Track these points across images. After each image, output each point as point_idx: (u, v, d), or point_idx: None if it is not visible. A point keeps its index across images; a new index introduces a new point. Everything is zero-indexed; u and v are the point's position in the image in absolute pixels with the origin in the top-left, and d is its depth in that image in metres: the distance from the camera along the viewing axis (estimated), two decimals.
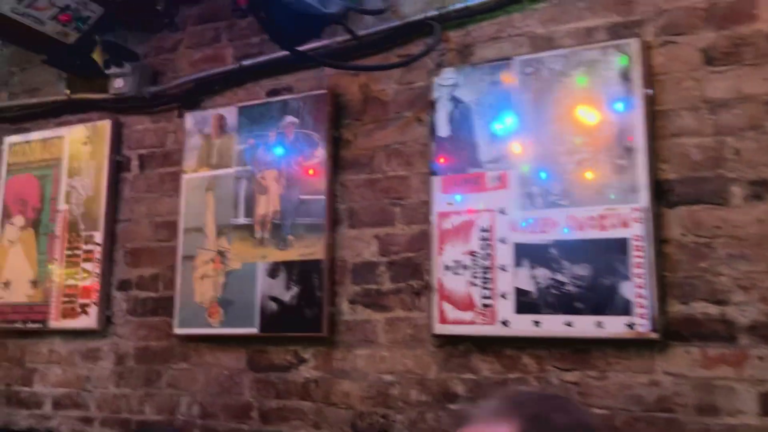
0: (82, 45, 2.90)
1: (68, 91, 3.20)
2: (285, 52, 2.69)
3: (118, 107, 3.05)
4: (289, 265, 2.50)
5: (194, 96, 2.90)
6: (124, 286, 2.92)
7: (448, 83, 2.32)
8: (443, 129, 2.31)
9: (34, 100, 3.30)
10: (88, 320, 2.88)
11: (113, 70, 2.90)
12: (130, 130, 3.06)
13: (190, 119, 2.84)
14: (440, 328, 2.20)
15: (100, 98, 3.04)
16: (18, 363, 3.09)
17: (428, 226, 2.32)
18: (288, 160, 2.58)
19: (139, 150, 3.02)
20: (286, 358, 2.52)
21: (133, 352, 2.84)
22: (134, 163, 3.02)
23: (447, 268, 2.22)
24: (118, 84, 2.91)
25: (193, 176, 2.77)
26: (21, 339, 3.10)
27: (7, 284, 3.11)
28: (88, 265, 2.92)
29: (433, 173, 2.31)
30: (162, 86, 2.96)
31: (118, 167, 3.01)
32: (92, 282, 2.90)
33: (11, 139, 3.29)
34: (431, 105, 2.36)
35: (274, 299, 2.50)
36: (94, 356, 2.92)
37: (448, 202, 2.26)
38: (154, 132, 3.00)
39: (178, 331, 2.68)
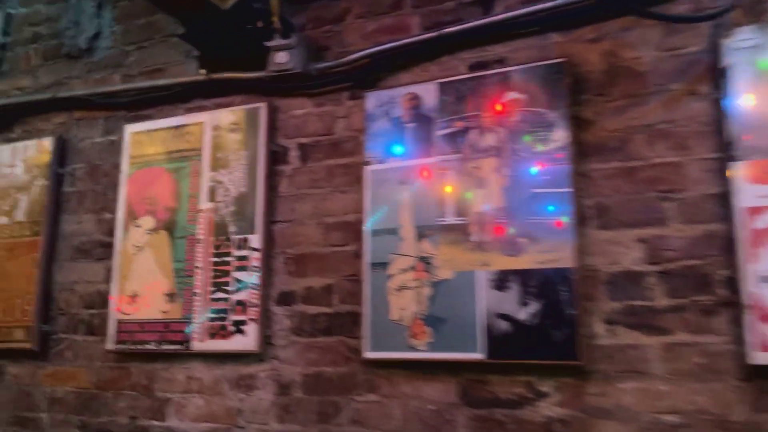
0: (236, 12, 2.44)
1: (204, 71, 2.74)
2: (494, 18, 2.26)
3: (270, 88, 2.58)
4: (523, 275, 2.01)
5: (371, 73, 2.43)
6: (285, 299, 2.42)
7: (748, 45, 1.85)
8: (743, 103, 1.83)
9: (161, 82, 2.83)
10: (245, 341, 2.38)
11: (276, 42, 2.43)
12: (286, 115, 2.58)
13: (372, 100, 2.36)
14: (762, 358, 1.70)
15: (253, 77, 2.57)
16: (146, 392, 2.59)
17: (722, 226, 1.84)
18: (512, 145, 2.10)
19: (299, 138, 2.54)
20: (514, 390, 2.02)
21: (300, 379, 2.34)
22: (293, 154, 2.54)
23: (764, 279, 1.73)
24: (280, 59, 2.44)
25: (379, 168, 2.29)
26: (148, 363, 2.61)
27: (134, 297, 2.63)
28: (241, 275, 2.43)
29: (732, 158, 1.82)
30: (329, 63, 2.49)
31: (273, 159, 2.54)
32: (248, 295, 2.41)
33: (133, 127, 2.82)
34: (720, 74, 1.88)
35: (505, 317, 2.01)
36: (247, 384, 2.42)
37: (759, 195, 1.77)
38: (318, 117, 2.52)
39: (371, 355, 2.18)
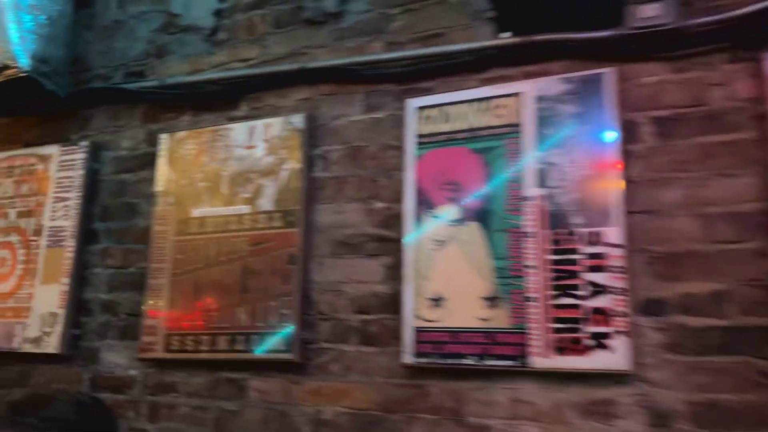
0: None
1: (508, 34, 2.31)
2: None
3: (613, 51, 2.14)
4: None
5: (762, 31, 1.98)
6: (653, 308, 1.96)
7: None
8: None
9: (455, 47, 2.40)
10: (612, 358, 1.92)
11: None
12: (629, 83, 2.13)
13: None
14: None
15: (592, 38, 2.14)
16: (453, 416, 2.14)
17: None
18: None
19: (652, 111, 2.09)
20: None
21: (684, 408, 1.87)
22: (645, 130, 2.08)
23: None
24: (648, 13, 1.99)
25: None
26: (455, 380, 2.16)
27: (438, 301, 2.19)
28: (597, 276, 1.98)
29: None
30: (706, 18, 2.04)
31: (621, 136, 2.09)
32: (610, 301, 1.96)
33: (417, 102, 2.39)
34: None
35: None
36: (604, 412, 1.96)
37: None
38: (680, 85, 2.06)
39: None
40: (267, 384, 2.47)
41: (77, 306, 2.90)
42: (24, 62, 2.86)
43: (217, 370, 2.56)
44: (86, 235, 2.97)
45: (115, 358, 2.79)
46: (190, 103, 2.92)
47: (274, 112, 2.72)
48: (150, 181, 2.90)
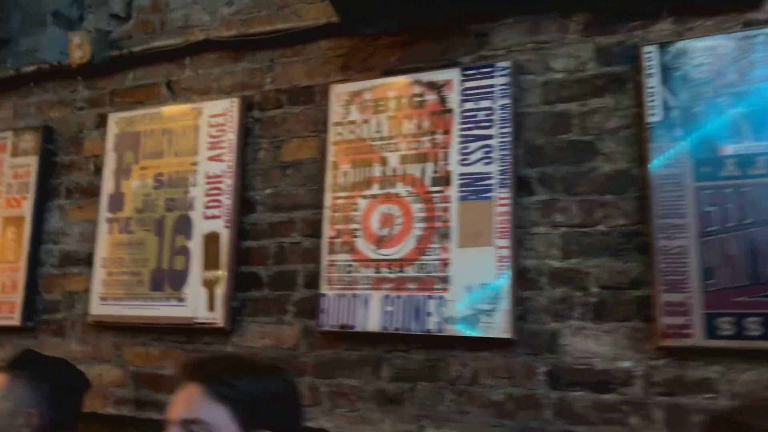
0: None
1: None
2: None
3: None
4: None
5: None
6: None
7: None
8: None
9: None
10: None
11: None
12: None
13: None
14: None
15: None
16: None
17: None
18: None
19: None
20: None
21: None
22: None
23: None
24: None
25: None
26: None
27: None
28: None
29: None
30: None
31: None
32: None
33: None
34: None
35: None
36: None
37: None
38: None
39: None
40: None
41: (518, 276, 2.21)
42: None
43: None
44: (516, 185, 2.27)
45: (590, 345, 2.10)
46: (669, 6, 2.18)
47: None
48: (608, 110, 2.19)
